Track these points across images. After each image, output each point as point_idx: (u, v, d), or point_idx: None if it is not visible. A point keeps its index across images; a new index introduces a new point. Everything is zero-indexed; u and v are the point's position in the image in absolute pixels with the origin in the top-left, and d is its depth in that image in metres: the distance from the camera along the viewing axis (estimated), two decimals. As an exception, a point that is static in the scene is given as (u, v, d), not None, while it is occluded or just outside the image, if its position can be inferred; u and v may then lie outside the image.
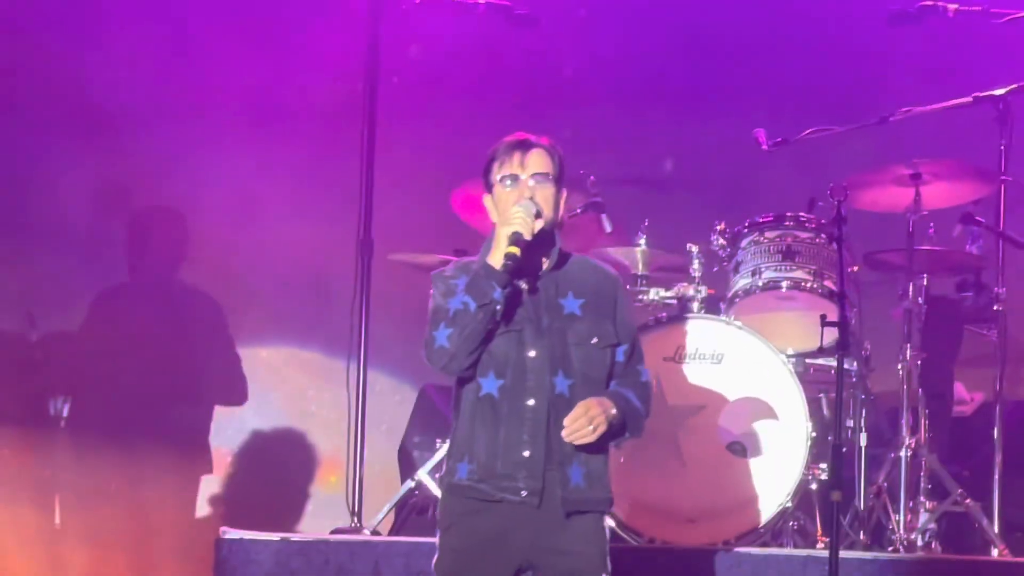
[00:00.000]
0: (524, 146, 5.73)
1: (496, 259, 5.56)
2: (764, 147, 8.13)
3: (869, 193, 7.98)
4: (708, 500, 7.51)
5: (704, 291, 7.92)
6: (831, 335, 6.58)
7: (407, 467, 8.52)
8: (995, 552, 7.63)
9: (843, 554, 6.99)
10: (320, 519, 9.05)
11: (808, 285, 7.82)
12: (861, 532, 7.72)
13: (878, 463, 7.87)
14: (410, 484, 7.89)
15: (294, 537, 7.30)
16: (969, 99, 7.99)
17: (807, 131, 8.08)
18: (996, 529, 7.71)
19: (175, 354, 9.19)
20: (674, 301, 7.99)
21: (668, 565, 7.22)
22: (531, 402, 5.62)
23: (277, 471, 9.48)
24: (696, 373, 7.61)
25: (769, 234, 7.91)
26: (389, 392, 9.16)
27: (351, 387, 7.92)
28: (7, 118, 9.14)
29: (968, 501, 7.73)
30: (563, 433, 5.56)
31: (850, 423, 7.90)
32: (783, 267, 7.84)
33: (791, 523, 7.72)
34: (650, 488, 7.51)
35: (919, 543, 7.67)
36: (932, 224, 8.06)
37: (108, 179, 9.31)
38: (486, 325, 5.56)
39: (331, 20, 9.04)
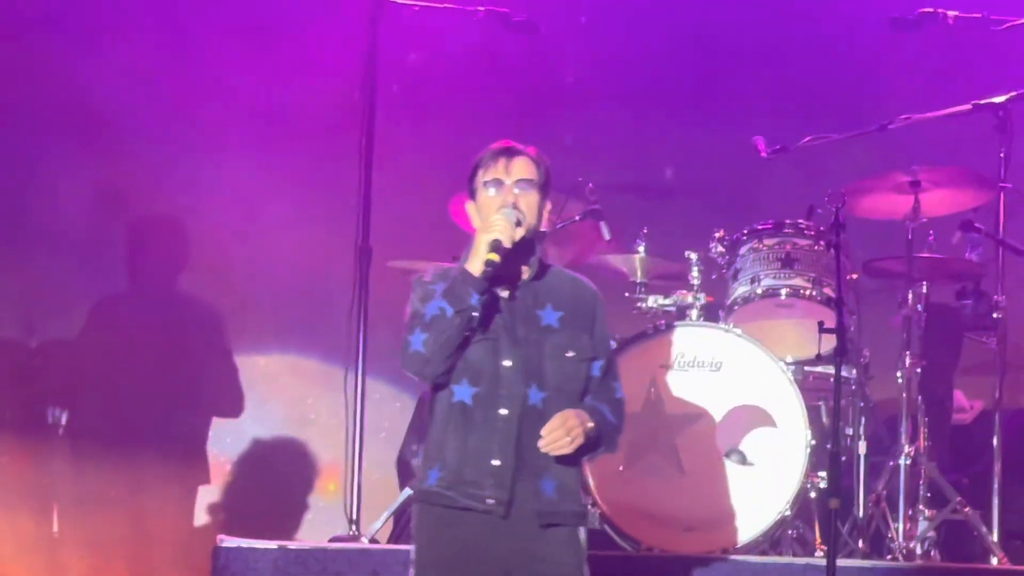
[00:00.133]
0: (509, 152, 5.71)
1: (475, 265, 5.52)
2: (763, 154, 8.13)
3: (868, 200, 7.97)
4: (707, 508, 7.49)
5: (703, 299, 7.92)
6: (830, 342, 6.57)
7: (405, 475, 8.50)
8: (994, 560, 7.61)
9: (842, 562, 7.00)
10: (319, 527, 9.04)
11: (807, 293, 7.81)
12: (860, 540, 7.71)
13: (877, 471, 7.87)
14: (408, 492, 7.86)
15: (292, 545, 7.28)
16: (968, 106, 7.98)
17: (806, 139, 8.08)
18: (995, 537, 7.69)
19: (174, 361, 9.18)
20: (673, 309, 7.99)
21: (666, 574, 7.20)
22: (504, 411, 5.59)
23: (276, 479, 9.46)
24: (695, 381, 7.60)
25: (768, 241, 7.91)
26: (388, 400, 9.13)
27: (349, 395, 7.89)
28: (6, 122, 9.13)
29: (967, 509, 7.72)
30: (540, 443, 5.54)
31: (849, 431, 7.90)
32: (782, 275, 7.83)
33: (790, 531, 7.71)
34: (648, 496, 7.50)
35: (918, 551, 7.66)
36: (932, 232, 8.06)
37: (107, 185, 9.29)
38: (462, 331, 5.54)
39: (330, 27, 9.04)
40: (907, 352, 7.87)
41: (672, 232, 8.45)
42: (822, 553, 7.48)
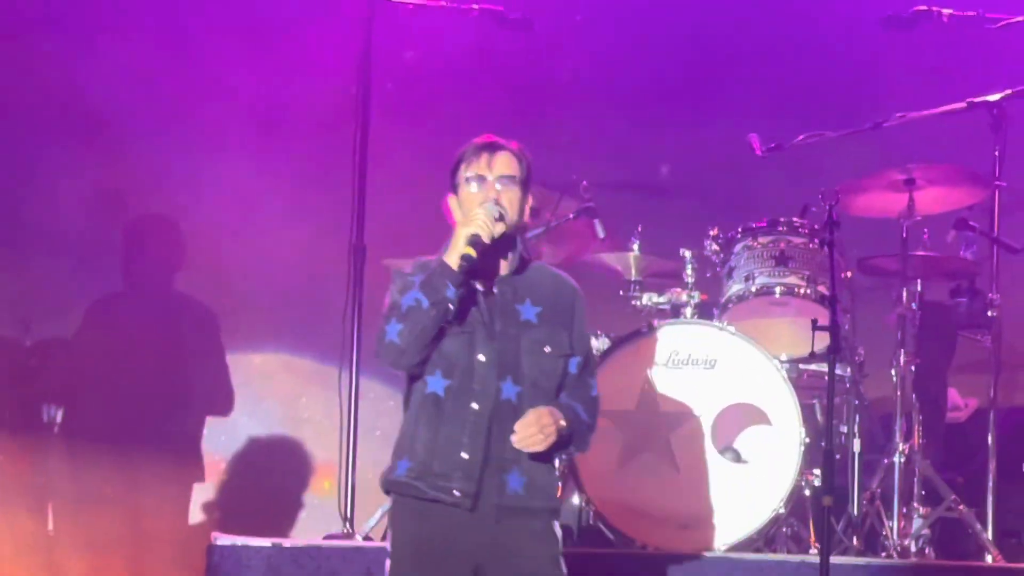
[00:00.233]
0: (492, 148, 5.71)
1: (452, 258, 5.53)
2: (758, 152, 8.13)
3: (863, 198, 7.98)
4: (701, 506, 7.49)
5: (697, 297, 7.93)
6: (823, 340, 6.56)
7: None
8: (989, 558, 7.62)
9: (836, 560, 6.99)
10: (313, 525, 9.04)
11: (801, 291, 7.81)
12: (855, 538, 7.72)
13: (872, 469, 7.87)
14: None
15: (286, 543, 7.27)
16: (963, 104, 7.99)
17: (801, 137, 8.08)
18: (990, 535, 7.69)
19: (169, 361, 9.18)
20: (667, 307, 8.00)
21: (661, 571, 7.20)
22: (475, 406, 5.58)
23: (271, 477, 9.46)
24: (689, 379, 7.60)
25: (762, 239, 7.91)
26: (382, 398, 9.11)
27: (344, 393, 7.91)
28: (4, 122, 9.13)
29: (962, 507, 7.72)
30: (513, 439, 5.54)
31: (844, 429, 7.90)
32: (776, 273, 7.84)
33: (784, 529, 7.72)
34: (643, 494, 7.50)
35: (913, 549, 7.66)
36: (926, 230, 8.07)
37: (103, 185, 9.29)
38: (437, 323, 5.53)
39: (326, 26, 9.04)
40: (901, 350, 7.87)
41: (666, 230, 8.46)
42: (817, 551, 7.48)
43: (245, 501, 9.32)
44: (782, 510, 7.51)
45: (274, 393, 9.51)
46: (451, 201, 5.75)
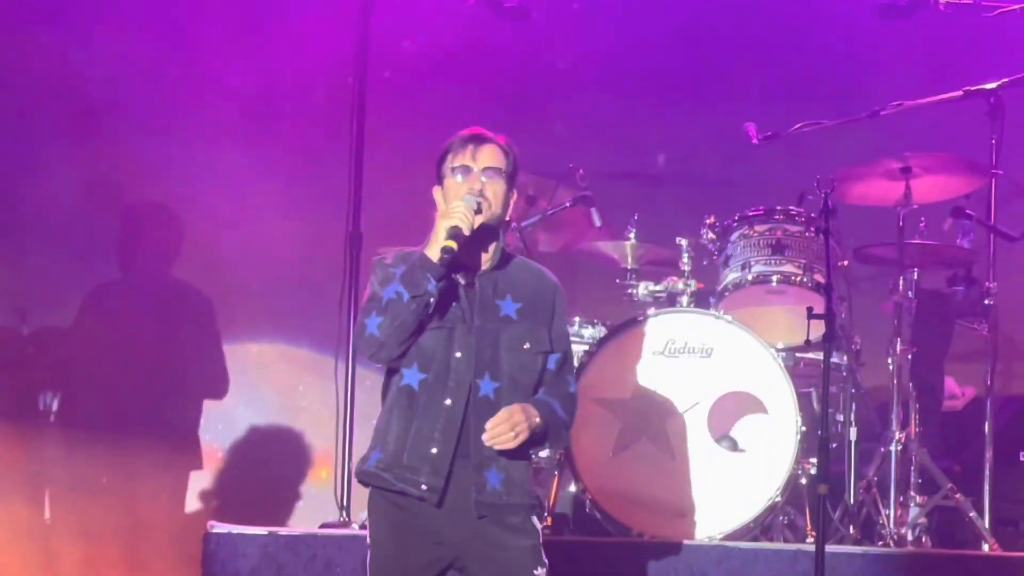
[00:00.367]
0: (478, 140, 5.70)
1: (433, 251, 5.51)
2: (755, 141, 8.13)
3: (859, 187, 7.96)
4: (697, 494, 7.49)
5: (693, 285, 7.93)
6: (820, 329, 6.56)
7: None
8: (986, 547, 7.61)
9: (833, 548, 7.01)
10: (310, 513, 9.04)
11: (798, 279, 7.81)
12: (851, 526, 7.71)
13: (868, 457, 7.86)
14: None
15: (282, 531, 7.28)
16: (960, 93, 7.98)
17: (797, 125, 8.08)
18: (987, 524, 7.69)
19: (165, 350, 9.18)
20: (664, 295, 7.99)
21: (657, 559, 7.20)
22: (448, 402, 5.58)
23: (267, 466, 9.46)
24: (685, 367, 7.59)
25: (759, 228, 7.91)
26: (378, 387, 9.11)
27: (340, 382, 7.91)
28: (0, 113, 9.13)
29: (958, 496, 7.72)
30: (484, 437, 5.54)
31: (840, 417, 7.90)
32: (773, 261, 7.84)
33: (781, 518, 7.72)
34: (639, 482, 7.50)
35: (909, 537, 7.66)
36: (923, 218, 8.06)
37: (99, 176, 9.29)
38: (418, 316, 5.52)
39: (322, 15, 9.03)
40: (898, 338, 7.86)
41: (663, 218, 8.46)
42: (813, 539, 7.47)
43: (242, 489, 9.33)
44: (778, 498, 7.50)
45: (271, 382, 9.51)
46: (436, 192, 5.74)
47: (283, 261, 9.24)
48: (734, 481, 7.51)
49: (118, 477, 8.96)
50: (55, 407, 9.15)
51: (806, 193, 7.93)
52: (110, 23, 9.16)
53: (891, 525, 7.63)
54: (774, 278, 7.84)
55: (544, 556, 5.64)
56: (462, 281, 5.64)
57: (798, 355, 7.91)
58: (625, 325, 7.65)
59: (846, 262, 7.99)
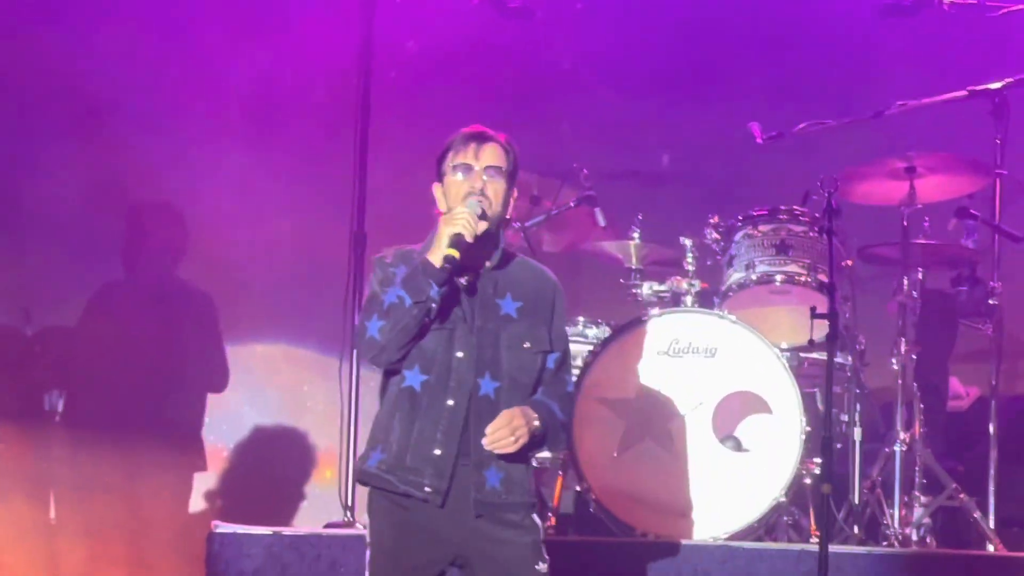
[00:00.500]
0: (480, 138, 5.68)
1: (436, 257, 5.49)
2: (759, 140, 8.13)
3: (864, 186, 7.96)
4: (701, 494, 7.49)
5: (698, 285, 7.92)
6: (823, 329, 6.55)
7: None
8: (990, 547, 7.61)
9: (837, 548, 7.00)
10: (315, 514, 9.04)
11: (802, 279, 7.81)
12: (855, 526, 7.71)
13: (873, 458, 7.86)
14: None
15: (286, 531, 7.27)
16: (964, 93, 7.98)
17: (802, 125, 8.08)
18: (991, 524, 7.69)
19: (170, 349, 9.18)
20: (668, 295, 7.99)
21: (661, 559, 7.19)
22: (450, 402, 5.57)
23: (272, 466, 9.47)
24: (690, 367, 7.59)
25: (763, 228, 7.90)
26: (383, 388, 9.14)
27: (345, 382, 7.90)
28: (2, 111, 9.13)
29: (963, 496, 7.71)
30: (484, 441, 5.53)
31: (844, 417, 7.89)
32: (777, 261, 7.83)
33: (785, 518, 7.71)
34: (643, 482, 7.50)
35: (914, 538, 7.66)
36: (927, 218, 8.06)
37: (101, 176, 9.28)
38: (420, 321, 5.50)
39: (326, 15, 9.03)
40: (903, 338, 7.87)
41: (667, 218, 8.46)
42: (817, 539, 7.47)
43: (247, 489, 9.34)
44: (783, 499, 7.50)
45: (275, 382, 9.52)
46: (436, 189, 5.72)
47: (287, 261, 9.25)
48: (738, 481, 7.51)
49: (122, 477, 8.95)
50: (60, 407, 9.16)
51: (810, 193, 7.91)
52: (111, 23, 9.16)
53: (895, 525, 7.64)
54: (778, 278, 7.83)
55: (545, 552, 5.64)
56: (463, 282, 5.63)
57: (802, 355, 7.90)
58: (629, 325, 7.65)
59: (850, 262, 7.98)
